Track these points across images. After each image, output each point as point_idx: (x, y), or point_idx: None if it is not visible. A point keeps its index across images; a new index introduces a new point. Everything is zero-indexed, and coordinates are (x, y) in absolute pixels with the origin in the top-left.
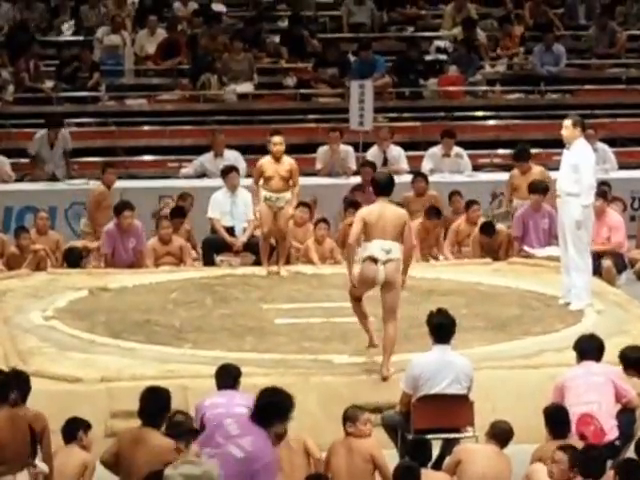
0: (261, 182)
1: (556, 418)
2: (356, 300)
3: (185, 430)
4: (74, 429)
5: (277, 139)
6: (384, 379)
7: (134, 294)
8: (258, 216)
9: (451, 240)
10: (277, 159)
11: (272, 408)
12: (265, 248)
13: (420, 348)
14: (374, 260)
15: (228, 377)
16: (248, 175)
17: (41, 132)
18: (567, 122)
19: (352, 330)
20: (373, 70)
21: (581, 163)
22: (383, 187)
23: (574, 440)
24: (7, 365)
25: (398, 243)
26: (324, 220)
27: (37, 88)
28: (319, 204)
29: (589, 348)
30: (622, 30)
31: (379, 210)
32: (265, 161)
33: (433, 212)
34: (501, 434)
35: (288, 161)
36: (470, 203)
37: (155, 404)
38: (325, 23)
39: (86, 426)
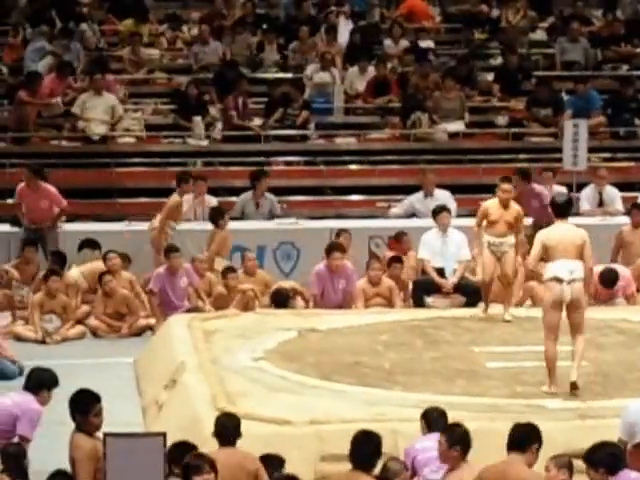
0: (484, 224)
1: None
2: (552, 333)
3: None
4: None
5: (507, 186)
6: (573, 386)
7: (343, 335)
8: (476, 257)
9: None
10: (504, 205)
11: None
12: (487, 292)
13: (637, 394)
14: (559, 280)
15: (439, 420)
16: (459, 215)
17: (247, 194)
18: None
19: (566, 374)
20: (589, 106)
21: None
22: (562, 209)
23: None
24: (215, 407)
25: (581, 262)
26: None
27: (245, 126)
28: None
29: None
30: None
31: (559, 231)
32: (491, 204)
33: None
34: None
35: (515, 208)
36: None
37: (367, 448)
38: (538, 61)
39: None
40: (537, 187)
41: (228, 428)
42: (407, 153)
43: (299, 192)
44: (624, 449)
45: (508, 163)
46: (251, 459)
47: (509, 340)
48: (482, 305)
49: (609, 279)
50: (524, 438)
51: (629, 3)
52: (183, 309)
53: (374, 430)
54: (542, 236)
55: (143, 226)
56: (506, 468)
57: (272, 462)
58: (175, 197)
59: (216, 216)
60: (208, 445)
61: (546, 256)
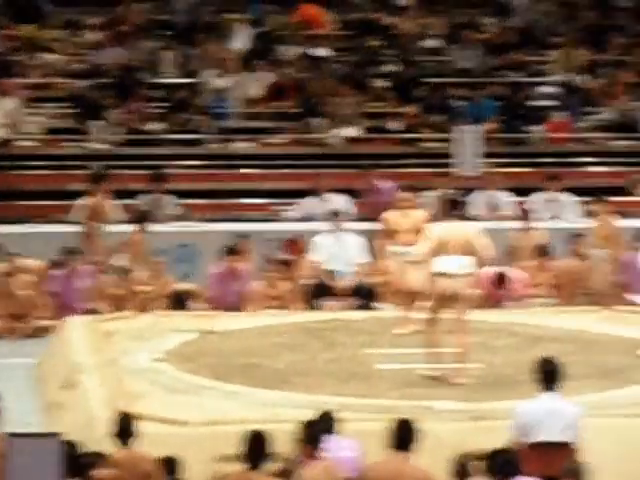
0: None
1: None
2: (432, 326)
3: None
4: None
5: (404, 195)
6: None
7: (240, 337)
8: (380, 269)
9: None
10: (404, 213)
11: None
12: (402, 302)
13: (527, 395)
14: (445, 275)
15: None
16: (354, 219)
17: (145, 197)
18: None
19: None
20: (483, 113)
21: None
22: (452, 205)
23: None
24: (112, 407)
25: (469, 257)
26: None
27: (144, 130)
28: None
29: None
30: None
31: (450, 227)
32: (390, 214)
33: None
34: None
35: (415, 214)
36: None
37: (257, 447)
38: (432, 68)
39: None
40: (381, 183)
41: (124, 428)
42: (303, 158)
43: (197, 195)
44: (517, 452)
45: (402, 168)
46: (147, 460)
47: (401, 343)
48: (403, 316)
49: (500, 281)
50: (410, 437)
51: (523, 11)
52: (81, 310)
53: (266, 430)
54: (436, 230)
55: (46, 228)
56: (399, 467)
57: (170, 464)
58: (89, 199)
59: (142, 219)
60: (105, 445)
61: (436, 250)
